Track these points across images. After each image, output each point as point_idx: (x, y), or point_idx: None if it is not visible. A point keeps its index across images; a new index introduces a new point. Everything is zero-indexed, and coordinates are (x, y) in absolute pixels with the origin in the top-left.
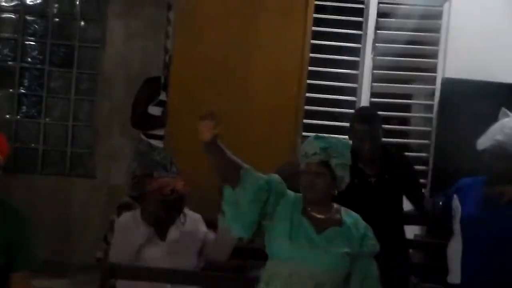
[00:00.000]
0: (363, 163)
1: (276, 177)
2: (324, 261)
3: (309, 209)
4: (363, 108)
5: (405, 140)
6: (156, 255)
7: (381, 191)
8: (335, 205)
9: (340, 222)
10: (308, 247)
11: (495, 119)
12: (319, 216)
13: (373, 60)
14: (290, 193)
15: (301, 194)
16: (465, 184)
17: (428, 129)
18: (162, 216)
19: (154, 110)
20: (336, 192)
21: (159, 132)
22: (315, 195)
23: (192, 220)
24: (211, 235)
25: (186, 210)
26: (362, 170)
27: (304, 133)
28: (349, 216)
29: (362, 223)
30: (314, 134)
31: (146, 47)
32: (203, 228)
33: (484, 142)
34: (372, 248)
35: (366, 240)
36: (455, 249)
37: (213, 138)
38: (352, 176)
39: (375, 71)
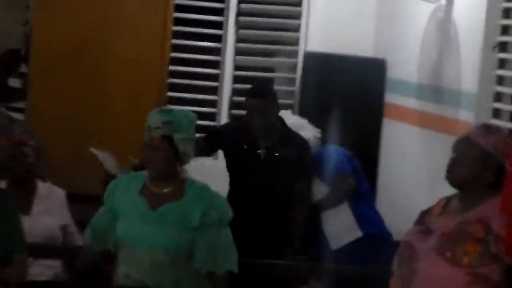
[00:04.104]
0: (257, 135)
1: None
2: (158, 238)
3: (149, 185)
4: (257, 83)
5: None
6: None
7: (269, 165)
8: (183, 178)
9: (180, 196)
10: (142, 226)
11: (353, 91)
12: (158, 191)
13: (236, 33)
14: (123, 177)
15: (141, 172)
16: None
17: (291, 102)
18: (13, 176)
19: (15, 83)
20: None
21: (20, 105)
22: (155, 170)
23: (57, 195)
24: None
25: (50, 185)
26: (254, 140)
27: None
28: (194, 188)
29: (208, 194)
30: (159, 107)
31: (5, 18)
32: (65, 209)
33: None
34: (217, 218)
35: (210, 211)
36: None
37: None
38: (243, 143)
39: (238, 44)
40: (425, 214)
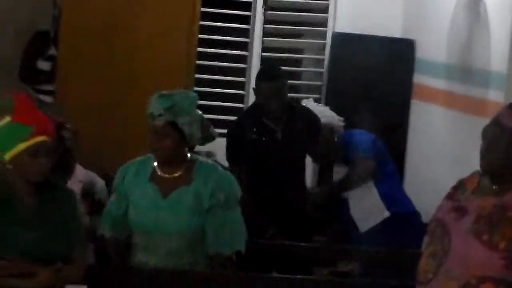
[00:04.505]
0: (269, 119)
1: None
2: (172, 225)
3: (158, 170)
4: (268, 65)
5: (296, 95)
6: None
7: (287, 147)
8: (190, 160)
9: (190, 180)
10: (155, 214)
11: (382, 72)
12: (168, 177)
13: (264, 14)
14: (131, 162)
15: (148, 156)
16: None
17: (319, 83)
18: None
19: (44, 65)
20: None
21: (49, 87)
22: (163, 157)
23: (88, 177)
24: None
25: (86, 170)
26: (268, 127)
27: (196, 88)
28: (201, 170)
29: (214, 176)
30: (158, 92)
31: (34, 0)
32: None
33: None
34: (224, 199)
35: (217, 192)
36: None
37: None
38: (259, 133)
39: (266, 26)
40: (457, 188)
